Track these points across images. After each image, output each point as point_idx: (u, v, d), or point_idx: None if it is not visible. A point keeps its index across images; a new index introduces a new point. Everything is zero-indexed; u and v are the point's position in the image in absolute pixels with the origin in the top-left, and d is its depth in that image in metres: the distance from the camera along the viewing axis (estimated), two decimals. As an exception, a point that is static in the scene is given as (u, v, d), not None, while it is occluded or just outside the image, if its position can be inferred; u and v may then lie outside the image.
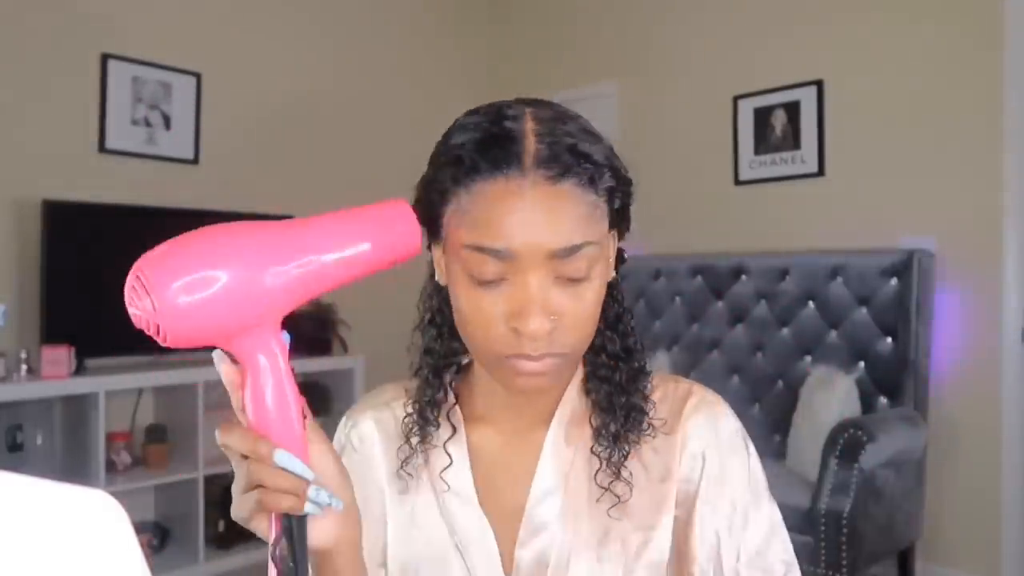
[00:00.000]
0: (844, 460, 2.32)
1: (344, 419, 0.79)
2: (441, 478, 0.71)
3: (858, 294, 2.81)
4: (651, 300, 3.47)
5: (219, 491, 2.93)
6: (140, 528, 2.95)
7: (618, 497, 0.67)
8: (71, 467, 2.80)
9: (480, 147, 0.60)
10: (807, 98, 3.20)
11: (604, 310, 0.67)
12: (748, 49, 3.40)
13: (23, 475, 0.24)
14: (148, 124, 3.21)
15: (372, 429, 0.75)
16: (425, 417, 0.71)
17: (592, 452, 0.69)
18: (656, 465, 0.70)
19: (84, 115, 3.05)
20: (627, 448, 0.68)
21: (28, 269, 2.83)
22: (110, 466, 2.82)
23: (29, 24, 2.90)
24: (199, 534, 2.90)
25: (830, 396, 2.60)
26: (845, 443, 2.33)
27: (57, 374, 2.63)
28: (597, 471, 0.68)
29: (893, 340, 2.70)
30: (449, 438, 0.71)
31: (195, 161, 3.33)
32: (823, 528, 2.31)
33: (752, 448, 0.71)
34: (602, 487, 0.67)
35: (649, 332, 3.44)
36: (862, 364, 2.76)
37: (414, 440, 0.71)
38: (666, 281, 3.43)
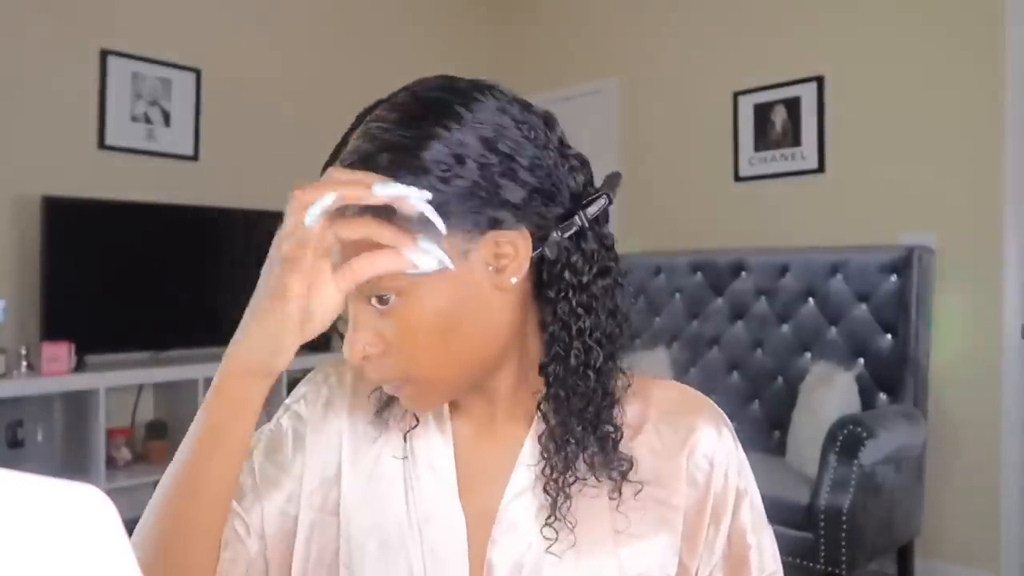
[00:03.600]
0: (844, 456, 2.32)
1: (320, 367, 0.74)
2: (414, 448, 0.67)
3: (858, 291, 2.81)
4: (651, 296, 3.47)
5: (219, 487, 2.93)
6: (141, 524, 2.95)
7: (555, 534, 0.61)
8: (71, 463, 2.80)
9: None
10: (807, 94, 3.19)
11: (552, 310, 0.61)
12: (748, 45, 3.40)
13: (13, 471, 0.25)
14: (148, 120, 3.21)
15: (347, 377, 0.72)
16: None
17: (542, 473, 0.62)
18: (659, 468, 0.65)
19: (84, 112, 3.05)
20: (567, 492, 0.61)
21: (28, 266, 2.83)
22: (110, 462, 2.82)
23: (28, 20, 2.90)
24: (199, 530, 2.91)
25: (830, 392, 2.60)
26: (845, 439, 2.33)
27: (57, 370, 2.64)
28: (552, 506, 0.61)
29: (893, 337, 2.70)
30: (432, 417, 0.68)
31: (195, 157, 3.33)
32: (823, 524, 2.31)
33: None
34: (554, 516, 0.61)
35: (649, 328, 3.44)
36: (862, 361, 2.76)
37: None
38: (666, 277, 3.43)
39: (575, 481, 0.62)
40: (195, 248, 3.16)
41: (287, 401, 0.73)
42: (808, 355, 2.90)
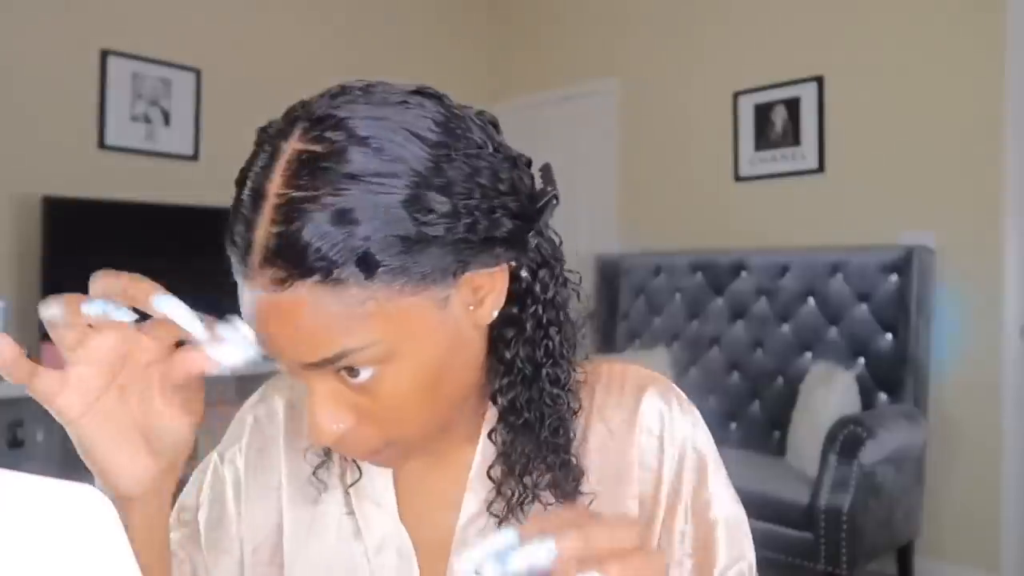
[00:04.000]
0: (844, 456, 2.32)
1: (259, 391, 0.69)
2: (357, 488, 0.62)
3: (858, 290, 2.81)
4: (651, 296, 3.47)
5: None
6: (141, 524, 2.95)
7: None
8: (72, 463, 2.78)
9: (229, 227, 0.50)
10: (807, 94, 3.19)
11: (505, 353, 0.56)
12: (749, 45, 3.40)
13: (13, 471, 0.25)
14: (148, 120, 3.21)
15: (280, 411, 0.66)
16: None
17: (489, 512, 0.58)
18: (610, 463, 0.61)
19: (84, 111, 3.05)
20: (520, 520, 0.57)
21: (28, 266, 2.83)
22: (111, 462, 2.82)
23: (28, 20, 2.90)
24: (200, 530, 2.91)
25: (830, 392, 2.60)
26: (845, 439, 2.33)
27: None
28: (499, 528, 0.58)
29: (893, 336, 2.70)
30: None
31: (195, 157, 3.33)
32: (823, 525, 2.31)
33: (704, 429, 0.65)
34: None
35: (649, 328, 3.44)
36: (862, 360, 2.76)
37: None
38: (666, 277, 3.43)
39: (533, 501, 0.58)
40: (195, 248, 3.16)
41: (221, 448, 0.68)
42: (808, 355, 2.90)
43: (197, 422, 0.52)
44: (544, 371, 0.56)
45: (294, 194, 0.45)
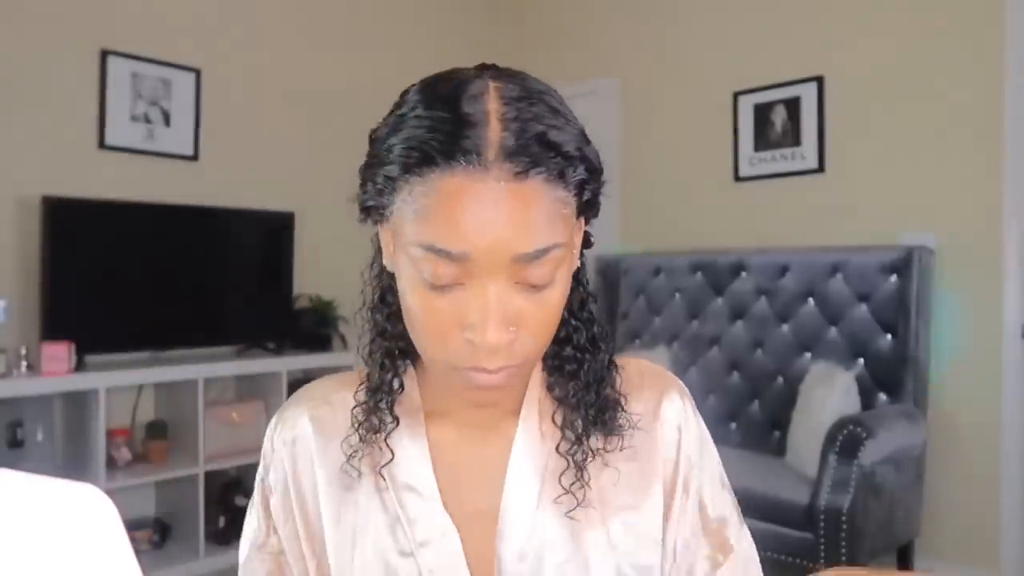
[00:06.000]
0: (843, 456, 2.32)
1: (273, 422, 0.70)
2: (392, 475, 0.64)
3: (858, 291, 2.81)
4: (651, 296, 3.47)
5: (219, 487, 2.94)
6: (141, 524, 2.95)
7: (577, 500, 0.63)
8: (71, 463, 2.80)
9: (435, 131, 0.52)
10: (807, 94, 3.19)
11: (568, 298, 0.64)
12: (748, 45, 3.40)
13: (13, 470, 0.25)
14: (148, 120, 3.20)
15: (307, 429, 0.68)
16: (379, 405, 0.65)
17: (558, 452, 0.64)
18: (637, 445, 0.67)
19: (84, 112, 3.05)
20: (592, 450, 0.64)
21: (28, 266, 2.83)
22: (110, 462, 2.82)
23: (28, 20, 2.90)
24: (199, 530, 2.91)
25: (829, 392, 2.60)
26: (844, 439, 2.33)
27: (57, 370, 2.64)
28: (562, 473, 0.63)
29: (893, 336, 2.70)
30: (406, 431, 0.65)
31: (195, 157, 3.33)
32: (822, 525, 2.31)
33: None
34: (564, 488, 0.63)
35: (649, 328, 3.44)
36: (862, 360, 2.76)
37: (363, 430, 0.65)
38: (666, 277, 3.43)
39: (590, 454, 0.65)
40: (195, 248, 3.16)
41: (261, 473, 0.70)
42: (808, 355, 2.90)
43: None
44: (595, 326, 0.67)
45: (523, 106, 0.55)
